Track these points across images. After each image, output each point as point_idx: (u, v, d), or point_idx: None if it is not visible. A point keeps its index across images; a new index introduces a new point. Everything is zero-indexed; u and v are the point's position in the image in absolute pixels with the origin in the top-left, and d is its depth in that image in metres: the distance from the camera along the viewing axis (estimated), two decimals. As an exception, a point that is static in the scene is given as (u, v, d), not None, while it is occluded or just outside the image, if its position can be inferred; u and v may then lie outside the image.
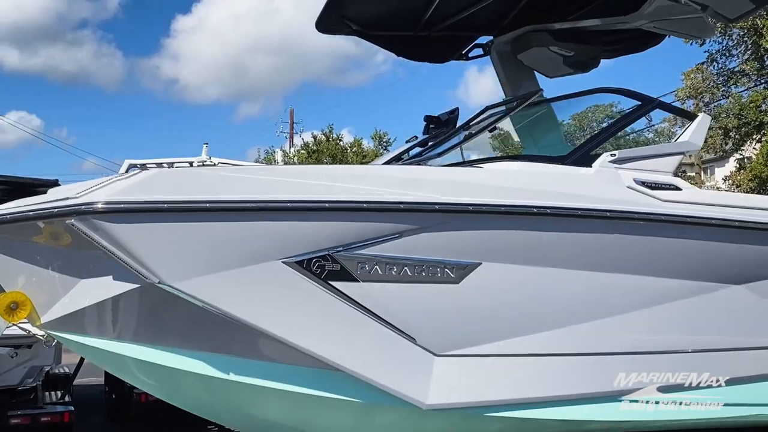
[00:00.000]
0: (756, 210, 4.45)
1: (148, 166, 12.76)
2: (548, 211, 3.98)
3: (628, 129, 5.17)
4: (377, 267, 3.80)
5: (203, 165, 12.76)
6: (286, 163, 41.09)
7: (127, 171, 12.50)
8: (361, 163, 26.19)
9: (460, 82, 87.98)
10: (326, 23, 6.16)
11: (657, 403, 4.39)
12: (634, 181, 4.27)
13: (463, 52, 7.04)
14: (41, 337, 4.10)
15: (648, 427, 4.57)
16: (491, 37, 6.95)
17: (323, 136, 38.92)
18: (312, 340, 3.77)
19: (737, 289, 4.52)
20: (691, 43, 20.83)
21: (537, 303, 4.11)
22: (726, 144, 20.94)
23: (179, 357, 3.91)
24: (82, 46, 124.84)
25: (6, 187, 8.58)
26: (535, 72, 6.82)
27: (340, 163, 32.78)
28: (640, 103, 4.73)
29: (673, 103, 21.95)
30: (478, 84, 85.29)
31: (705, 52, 20.71)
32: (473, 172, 4.24)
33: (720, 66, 20.77)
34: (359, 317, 3.81)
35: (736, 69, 20.56)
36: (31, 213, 3.62)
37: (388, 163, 5.45)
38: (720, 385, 4.51)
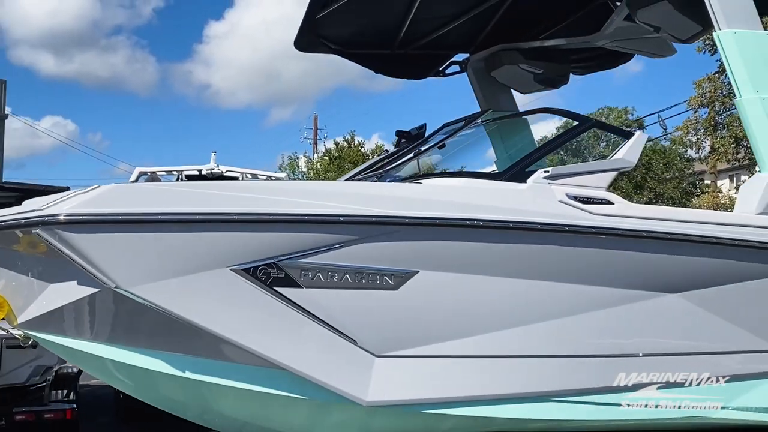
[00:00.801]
0: (683, 223, 4.72)
1: (157, 173, 13.26)
2: (481, 223, 4.29)
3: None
4: (319, 274, 4.12)
5: (211, 173, 13.24)
6: (309, 169, 41.66)
7: (137, 179, 13.00)
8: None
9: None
10: (303, 43, 6.52)
11: (589, 403, 4.67)
12: (566, 195, 4.56)
13: (441, 69, 7.38)
14: (19, 337, 4.50)
15: (583, 427, 4.84)
16: (467, 55, 7.28)
17: (345, 143, 39.45)
18: (259, 341, 4.11)
19: (670, 297, 4.79)
20: (704, 52, 21.00)
21: (471, 309, 4.41)
22: (738, 153, 21.04)
23: (144, 357, 4.28)
24: (117, 51, 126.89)
25: (18, 194, 9.05)
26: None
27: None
28: (577, 123, 5.03)
29: (685, 111, 22.19)
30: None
31: (717, 61, 20.82)
32: (412, 187, 4.57)
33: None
34: (303, 321, 4.14)
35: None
36: (1, 223, 4.00)
37: (355, 175, 5.78)
38: (653, 388, 4.78)
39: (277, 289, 4.07)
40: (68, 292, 4.11)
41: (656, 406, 4.84)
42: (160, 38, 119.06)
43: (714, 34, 5.27)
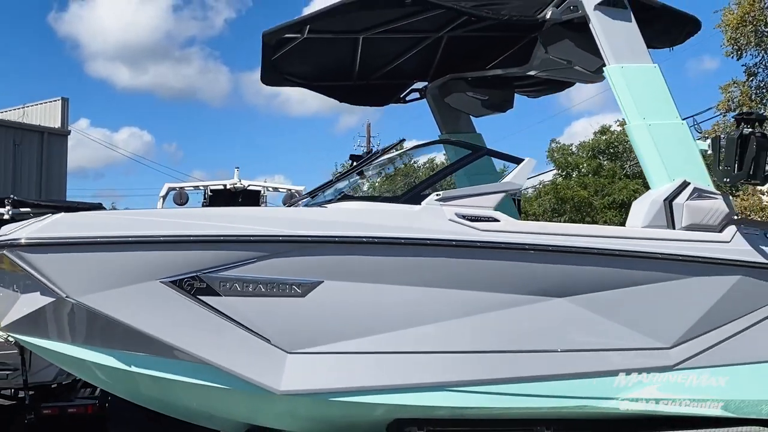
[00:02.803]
0: (562, 236, 5.42)
1: (185, 188, 14.34)
2: (375, 240, 5.09)
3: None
4: (236, 285, 4.97)
5: (234, 187, 14.25)
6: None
7: (166, 193, 14.09)
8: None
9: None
10: (268, 79, 7.38)
11: (484, 393, 5.39)
12: (456, 215, 5.32)
13: (401, 96, 8.18)
14: (0, 338, 5.49)
15: (484, 414, 5.55)
16: (426, 83, 8.07)
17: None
18: (187, 341, 4.98)
19: (557, 301, 5.48)
20: (732, 57, 21.16)
21: (370, 312, 5.20)
22: (766, 156, 20.95)
23: (97, 354, 5.20)
24: (190, 62, 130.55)
25: (53, 211, 10.13)
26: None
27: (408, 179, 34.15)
28: (470, 152, 5.77)
29: (714, 116, 22.29)
30: (580, 90, 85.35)
31: (742, 66, 21.01)
32: (318, 210, 5.41)
33: (760, 80, 21.02)
34: (223, 324, 4.99)
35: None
36: None
37: (311, 193, 6.63)
38: (543, 380, 5.48)
39: (200, 297, 4.94)
40: (34, 301, 5.05)
41: (546, 396, 5.53)
42: (232, 49, 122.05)
43: (604, 69, 5.96)
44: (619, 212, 32.50)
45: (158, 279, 4.88)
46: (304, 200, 6.27)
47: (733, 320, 5.85)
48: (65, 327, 5.17)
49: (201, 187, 14.76)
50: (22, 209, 10.06)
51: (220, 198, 14.18)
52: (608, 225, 25.34)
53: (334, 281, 5.10)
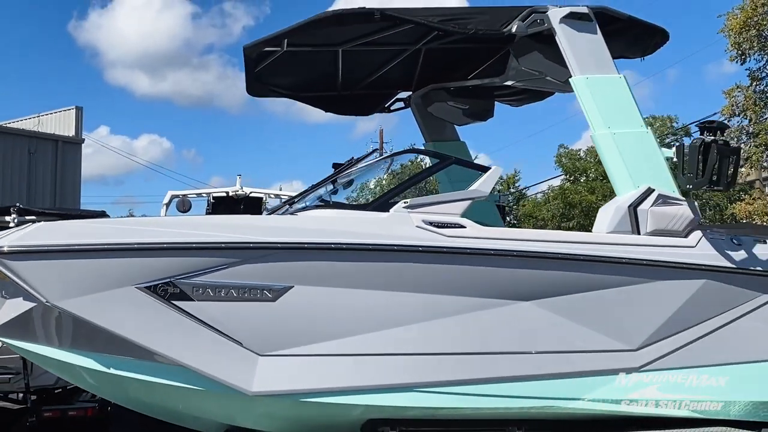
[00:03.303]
0: (526, 242, 5.61)
1: (188, 196, 14.62)
2: (344, 246, 5.30)
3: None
4: (209, 290, 5.20)
5: (236, 194, 14.51)
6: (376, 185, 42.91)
7: (169, 201, 14.37)
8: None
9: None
10: (254, 91, 7.62)
11: (453, 393, 5.57)
12: (423, 221, 5.52)
13: (386, 105, 8.40)
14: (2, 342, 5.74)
15: (455, 414, 5.73)
16: (410, 92, 8.28)
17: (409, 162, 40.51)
18: (161, 344, 5.20)
19: (523, 304, 5.66)
20: (736, 61, 21.24)
21: (339, 316, 5.40)
22: (768, 161, 21.20)
23: (78, 356, 5.44)
24: (208, 70, 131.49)
25: (58, 219, 10.44)
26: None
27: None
28: (438, 160, 5.97)
29: (720, 120, 22.32)
30: None
31: (746, 70, 21.08)
32: (288, 218, 5.62)
33: (765, 84, 21.07)
34: (196, 327, 5.21)
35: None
36: None
37: (289, 200, 6.85)
38: (509, 381, 5.65)
39: (174, 302, 5.16)
40: (18, 306, 5.30)
41: (515, 397, 5.71)
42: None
43: (570, 80, 6.15)
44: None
45: (134, 285, 5.11)
46: (283, 209, 6.49)
47: (700, 323, 6.00)
48: (47, 331, 5.41)
49: (204, 195, 15.05)
50: (27, 217, 10.39)
51: (222, 205, 14.45)
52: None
53: (304, 286, 5.31)
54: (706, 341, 6.02)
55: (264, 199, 14.89)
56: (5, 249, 5.03)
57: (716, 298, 6.04)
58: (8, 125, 31.35)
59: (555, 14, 6.14)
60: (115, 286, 5.10)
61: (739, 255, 6.15)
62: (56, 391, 10.43)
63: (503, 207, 7.88)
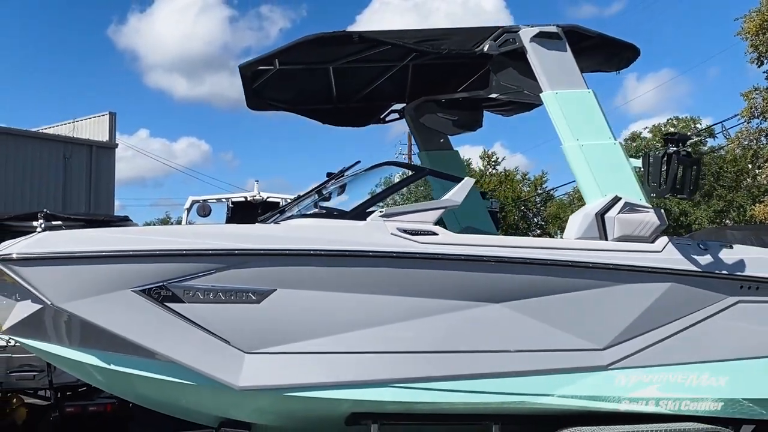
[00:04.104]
0: (495, 247, 6.01)
1: (208, 201, 15.18)
2: (322, 252, 5.74)
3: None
4: (199, 293, 5.67)
5: (254, 199, 15.03)
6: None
7: (190, 206, 14.94)
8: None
9: (618, 92, 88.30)
10: (253, 105, 8.08)
11: (430, 389, 5.99)
12: (397, 229, 5.94)
13: (382, 116, 8.83)
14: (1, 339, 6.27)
15: (432, 409, 6.15)
16: (404, 104, 8.70)
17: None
18: (156, 342, 5.69)
19: (493, 306, 6.04)
20: (755, 64, 21.30)
21: (319, 317, 5.84)
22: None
23: (81, 353, 5.94)
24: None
25: (83, 224, 11.02)
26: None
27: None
28: (413, 172, 6.39)
29: (739, 122, 22.43)
30: (636, 92, 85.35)
31: (764, 72, 21.12)
32: (272, 226, 6.08)
33: (786, 86, 21.13)
34: (188, 327, 5.68)
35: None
36: None
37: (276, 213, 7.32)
38: (483, 378, 6.05)
39: (167, 304, 5.64)
40: (27, 308, 5.82)
41: (487, 393, 6.10)
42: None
43: (541, 95, 6.53)
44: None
45: (130, 288, 5.60)
46: (274, 217, 6.95)
47: (666, 324, 6.36)
48: (55, 330, 5.93)
49: (224, 200, 15.60)
50: (53, 222, 10.99)
51: (241, 209, 14.98)
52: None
53: (286, 289, 5.76)
54: (672, 341, 6.37)
55: (281, 203, 15.40)
56: (14, 256, 5.55)
57: (682, 300, 6.38)
58: (44, 131, 32.37)
59: (526, 33, 6.53)
60: (113, 290, 5.59)
61: (705, 259, 6.49)
62: (80, 390, 11.00)
63: (496, 213, 8.24)
